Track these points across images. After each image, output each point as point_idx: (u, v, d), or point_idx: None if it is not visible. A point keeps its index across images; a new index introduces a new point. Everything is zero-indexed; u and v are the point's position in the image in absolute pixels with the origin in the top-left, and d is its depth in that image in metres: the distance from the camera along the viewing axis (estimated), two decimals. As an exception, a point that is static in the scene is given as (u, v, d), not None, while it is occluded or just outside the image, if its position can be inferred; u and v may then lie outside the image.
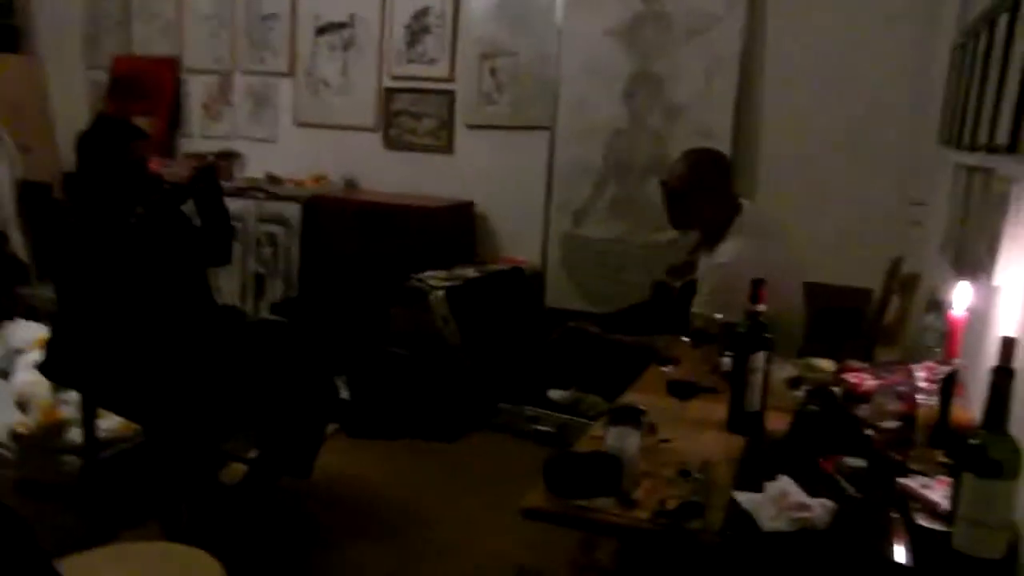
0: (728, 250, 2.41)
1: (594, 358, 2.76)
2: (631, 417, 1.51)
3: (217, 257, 2.79)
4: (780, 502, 1.21)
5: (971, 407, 1.63)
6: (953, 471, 1.11)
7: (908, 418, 1.59)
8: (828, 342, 2.25)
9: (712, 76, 3.99)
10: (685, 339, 1.79)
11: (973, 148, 2.04)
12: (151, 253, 2.49)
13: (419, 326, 3.87)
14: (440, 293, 3.59)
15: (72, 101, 5.65)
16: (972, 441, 1.10)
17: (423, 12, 4.64)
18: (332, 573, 2.45)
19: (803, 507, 1.19)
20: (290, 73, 5.05)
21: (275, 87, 5.13)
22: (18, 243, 4.82)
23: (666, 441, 1.50)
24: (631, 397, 1.87)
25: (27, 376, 3.04)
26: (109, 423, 2.82)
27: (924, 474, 1.38)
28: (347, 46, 4.88)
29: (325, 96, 4.98)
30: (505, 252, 4.64)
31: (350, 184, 4.87)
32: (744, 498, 1.25)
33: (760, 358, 1.62)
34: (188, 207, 2.69)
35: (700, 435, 1.63)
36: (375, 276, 4.35)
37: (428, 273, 4.11)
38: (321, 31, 4.93)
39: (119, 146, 2.47)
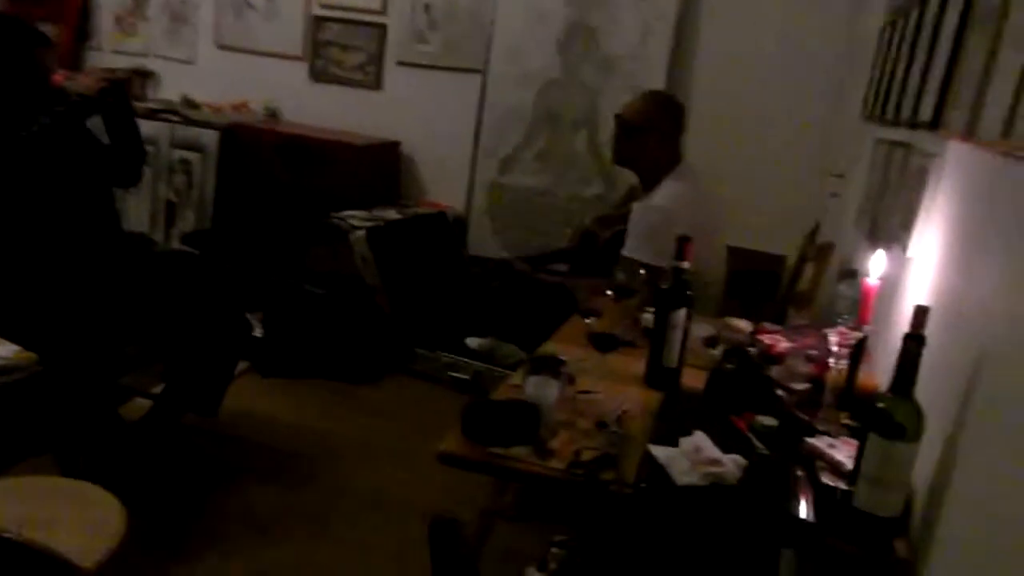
0: (666, 193, 2.47)
1: (517, 296, 2.77)
2: (551, 367, 1.51)
3: (125, 177, 2.64)
4: (693, 456, 1.23)
5: (876, 372, 1.70)
6: (859, 432, 1.15)
7: (817, 381, 1.65)
8: (745, 303, 2.31)
9: (648, 33, 3.97)
10: (608, 292, 1.79)
11: (896, 123, 2.09)
12: (52, 166, 2.33)
13: (337, 266, 3.78)
14: (361, 233, 3.50)
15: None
16: (879, 404, 1.14)
17: (358, -62, 4.44)
18: (236, 515, 2.40)
19: (715, 462, 1.22)
20: (212, -9, 4.78)
21: (195, 5, 4.85)
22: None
23: (585, 392, 1.51)
24: (551, 347, 1.87)
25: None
26: (2, 351, 2.66)
27: (830, 435, 1.44)
28: (275, -33, 4.63)
29: (250, 19, 4.73)
30: (429, 196, 4.56)
31: (272, 114, 4.68)
32: (659, 451, 1.27)
33: (681, 315, 1.64)
34: (96, 124, 2.53)
35: (618, 388, 1.64)
36: (294, 211, 4.22)
37: (349, 212, 4.00)
38: (248, -52, 4.66)
39: (21, 52, 2.28)
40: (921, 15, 2.02)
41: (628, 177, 3.47)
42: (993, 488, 0.99)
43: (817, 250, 2.57)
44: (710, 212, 2.52)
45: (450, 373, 3.39)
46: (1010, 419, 0.98)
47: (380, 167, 4.46)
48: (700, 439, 1.29)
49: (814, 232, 2.75)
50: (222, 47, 4.83)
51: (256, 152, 4.35)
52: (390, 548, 2.32)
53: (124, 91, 2.52)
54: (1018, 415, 0.96)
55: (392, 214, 4.04)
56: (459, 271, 3.99)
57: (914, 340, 1.12)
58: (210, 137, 4.31)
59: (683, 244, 1.65)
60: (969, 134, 1.35)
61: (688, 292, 1.65)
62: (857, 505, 1.14)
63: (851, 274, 1.95)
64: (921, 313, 1.12)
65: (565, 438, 1.38)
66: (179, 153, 4.40)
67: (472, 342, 3.39)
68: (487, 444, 1.34)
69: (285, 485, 2.59)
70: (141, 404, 2.67)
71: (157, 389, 2.66)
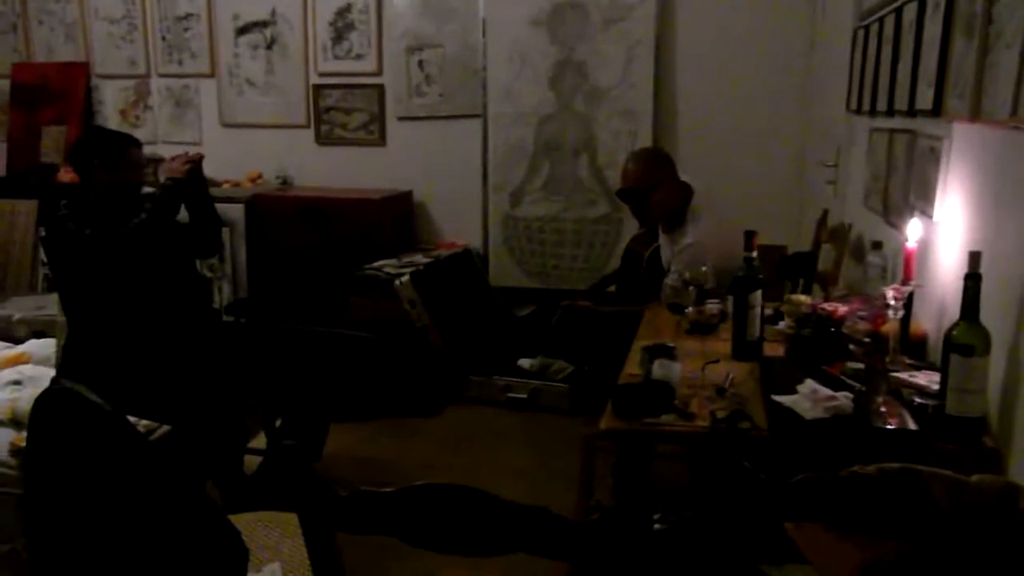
0: (692, 233, 2.78)
1: (589, 330, 3.04)
2: (666, 352, 1.82)
3: (208, 249, 2.92)
4: (813, 397, 1.54)
5: (921, 321, 2.03)
6: (944, 354, 1.48)
7: (875, 334, 1.98)
8: (793, 283, 2.65)
9: (630, 61, 4.36)
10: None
11: (890, 114, 2.46)
12: (153, 254, 2.59)
13: (379, 312, 4.05)
14: (406, 279, 3.79)
15: (-31, 113, 5.43)
16: (954, 331, 1.46)
17: (346, 8, 4.78)
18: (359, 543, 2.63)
19: (832, 398, 1.53)
20: (212, 74, 5.07)
21: (196, 89, 5.13)
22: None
23: (714, 361, 1.82)
24: (643, 342, 2.17)
25: (7, 394, 3.04)
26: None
27: (898, 371, 1.76)
28: (270, 45, 4.95)
29: (251, 96, 5.03)
30: (444, 237, 4.86)
31: (284, 181, 4.96)
32: (783, 398, 1.59)
33: (758, 295, 1.97)
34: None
35: (716, 364, 1.95)
36: (324, 269, 4.49)
37: (380, 262, 4.29)
38: (242, 31, 4.97)
39: (117, 152, 2.55)
40: (898, 21, 2.40)
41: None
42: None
43: (830, 232, 2.93)
44: (730, 236, 2.82)
45: (508, 394, 3.67)
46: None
47: (396, 216, 4.76)
48: (813, 384, 1.61)
49: (824, 216, 3.11)
50: (227, 125, 5.12)
51: (279, 219, 4.62)
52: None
53: (201, 169, 2.80)
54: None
55: (420, 258, 4.34)
56: (490, 301, 4.29)
57: (973, 278, 1.45)
58: (236, 211, 4.58)
59: (750, 237, 1.98)
60: (974, 116, 1.70)
61: (760, 276, 1.98)
62: (949, 412, 1.46)
63: (878, 245, 2.29)
64: (975, 257, 1.46)
65: (697, 404, 1.69)
66: (209, 229, 4.65)
67: (524, 362, 3.68)
68: (638, 418, 1.64)
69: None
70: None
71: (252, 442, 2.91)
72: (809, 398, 1.55)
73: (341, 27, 4.81)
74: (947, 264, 1.89)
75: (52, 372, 2.71)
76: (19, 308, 4.39)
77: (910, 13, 2.28)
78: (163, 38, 5.13)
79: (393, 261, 4.31)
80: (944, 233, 1.93)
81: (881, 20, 2.63)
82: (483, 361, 3.79)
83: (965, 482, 0.95)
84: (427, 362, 3.76)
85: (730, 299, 2.07)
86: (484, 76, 4.55)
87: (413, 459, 3.26)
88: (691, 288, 2.30)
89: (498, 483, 3.10)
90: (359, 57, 4.81)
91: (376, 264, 4.25)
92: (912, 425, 1.49)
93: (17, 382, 2.93)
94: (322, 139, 4.98)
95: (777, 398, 1.60)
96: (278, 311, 4.39)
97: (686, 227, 2.84)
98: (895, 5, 2.44)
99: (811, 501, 0.94)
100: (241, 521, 1.87)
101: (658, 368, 1.73)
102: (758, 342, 2.00)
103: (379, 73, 4.80)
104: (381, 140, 4.89)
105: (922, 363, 1.86)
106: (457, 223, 4.82)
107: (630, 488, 2.53)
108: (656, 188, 2.87)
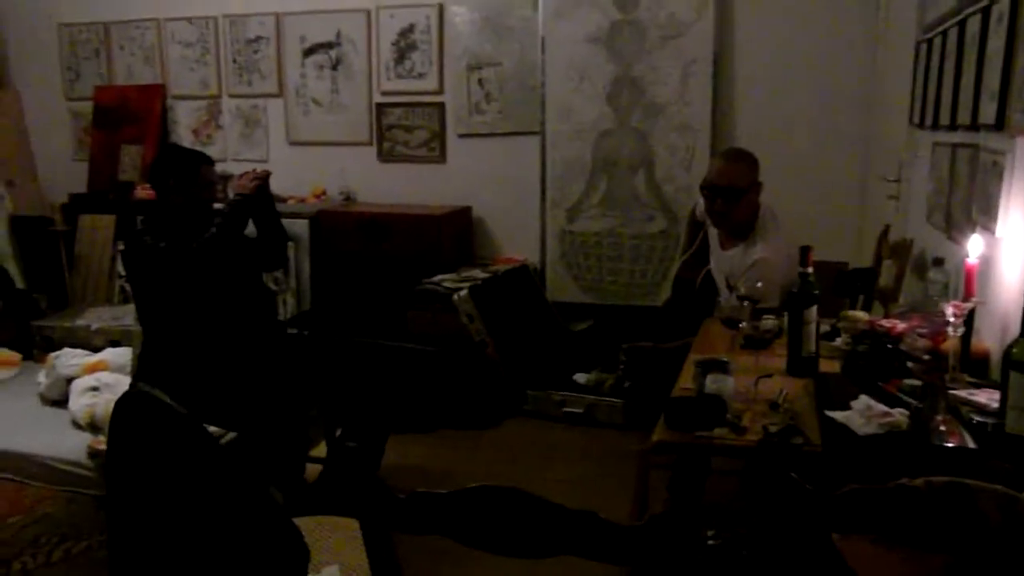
0: (763, 248, 2.69)
1: (656, 368, 3.01)
2: (719, 367, 1.83)
3: (274, 262, 3.03)
4: (867, 413, 1.54)
5: (983, 339, 2.00)
6: (1003, 371, 1.46)
7: (934, 352, 1.95)
8: (852, 299, 2.61)
9: (688, 76, 4.36)
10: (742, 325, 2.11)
11: (952, 128, 2.42)
12: (227, 269, 2.71)
13: (438, 326, 4.12)
14: (464, 293, 3.86)
15: (54, 133, 5.73)
16: (1014, 349, 1.44)
17: (409, 29, 4.90)
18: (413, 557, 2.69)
19: (887, 414, 1.52)
20: (279, 94, 5.25)
21: (264, 108, 5.32)
22: (16, 277, 4.95)
23: (767, 376, 1.82)
24: (696, 356, 2.18)
25: (86, 400, 3.20)
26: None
27: (957, 389, 1.74)
28: (335, 65, 5.10)
29: (317, 114, 5.19)
30: (503, 252, 4.92)
31: (347, 197, 5.09)
32: (836, 414, 1.58)
33: (813, 311, 1.96)
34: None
35: (769, 379, 1.95)
36: (385, 283, 4.59)
37: (439, 276, 4.37)
38: (308, 52, 5.14)
39: (192, 170, 2.68)
40: (961, 34, 2.37)
41: (687, 207, 3.76)
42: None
43: (892, 248, 2.88)
44: (793, 251, 2.75)
45: (564, 409, 3.69)
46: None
47: (456, 232, 4.83)
48: (867, 400, 1.60)
49: (886, 232, 3.07)
50: (293, 143, 5.29)
51: (342, 234, 4.75)
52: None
53: (268, 186, 2.91)
54: None
55: (479, 273, 4.40)
56: (547, 316, 4.33)
57: (1034, 295, 1.43)
58: (301, 226, 4.72)
59: (806, 252, 1.98)
60: (1037, 130, 1.68)
61: (815, 292, 1.97)
62: (1009, 431, 1.44)
63: (939, 262, 2.26)
64: (1036, 274, 1.44)
65: (750, 418, 1.69)
66: (275, 244, 4.80)
67: (580, 377, 3.70)
68: (690, 430, 1.65)
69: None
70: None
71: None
72: (863, 414, 1.54)
73: (403, 47, 4.94)
74: (1010, 280, 1.86)
75: (128, 379, 2.84)
76: (97, 318, 4.63)
77: (973, 26, 2.25)
78: (234, 60, 5.34)
79: (452, 275, 4.38)
80: (1007, 249, 1.90)
81: (944, 33, 2.60)
82: (540, 375, 3.82)
83: (1016, 497, 0.94)
84: (484, 375, 3.82)
85: (785, 315, 2.07)
86: (542, 93, 4.61)
87: (469, 471, 3.30)
88: (746, 303, 2.30)
89: (552, 494, 3.11)
90: (421, 76, 4.93)
91: (435, 278, 4.33)
92: (970, 443, 1.47)
93: (95, 388, 3.08)
94: (384, 156, 5.10)
95: (830, 413, 1.60)
96: (340, 324, 4.51)
97: (756, 241, 2.77)
98: (958, 18, 2.41)
99: (858, 513, 0.95)
100: (302, 524, 1.94)
101: (711, 382, 1.74)
102: (813, 358, 1.99)
103: (440, 91, 4.91)
104: (441, 157, 4.98)
105: (984, 381, 1.83)
106: (515, 238, 4.88)
107: (684, 500, 2.54)
108: (751, 189, 2.77)
